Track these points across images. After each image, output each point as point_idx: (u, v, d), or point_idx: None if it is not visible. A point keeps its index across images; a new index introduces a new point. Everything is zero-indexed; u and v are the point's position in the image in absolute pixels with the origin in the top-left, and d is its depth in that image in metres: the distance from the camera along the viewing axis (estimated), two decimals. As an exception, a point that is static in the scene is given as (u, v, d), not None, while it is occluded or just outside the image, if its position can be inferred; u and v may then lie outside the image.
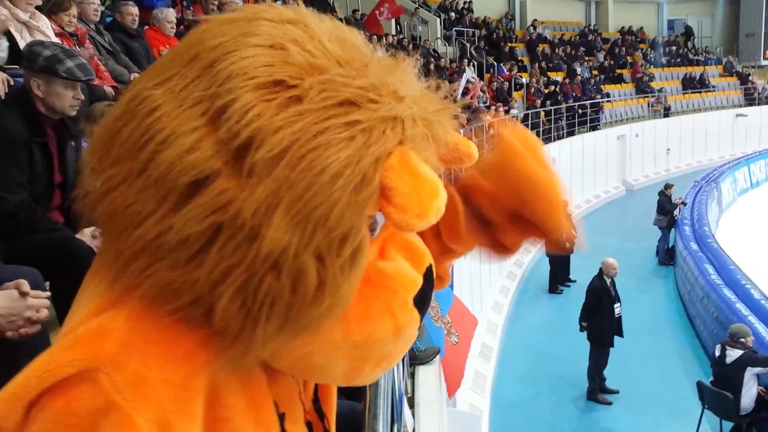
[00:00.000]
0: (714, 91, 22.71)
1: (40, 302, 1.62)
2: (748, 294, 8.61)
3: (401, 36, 16.29)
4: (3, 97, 3.00)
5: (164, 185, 0.55)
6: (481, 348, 7.81)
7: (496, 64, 17.65)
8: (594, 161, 16.84)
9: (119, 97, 0.65)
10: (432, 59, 14.91)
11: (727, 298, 8.57)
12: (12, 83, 3.08)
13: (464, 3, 20.67)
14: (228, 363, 0.58)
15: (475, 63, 16.56)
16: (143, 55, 5.00)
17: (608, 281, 7.74)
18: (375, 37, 11.92)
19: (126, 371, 0.54)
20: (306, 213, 0.54)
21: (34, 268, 1.86)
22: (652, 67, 23.04)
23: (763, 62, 25.58)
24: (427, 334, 4.09)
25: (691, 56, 24.72)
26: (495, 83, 16.20)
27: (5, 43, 3.36)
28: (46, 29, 3.70)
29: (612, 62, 21.94)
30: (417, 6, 18.15)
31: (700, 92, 22.33)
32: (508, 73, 17.45)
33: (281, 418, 0.68)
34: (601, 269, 7.82)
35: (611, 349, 7.65)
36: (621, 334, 7.66)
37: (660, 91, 21.17)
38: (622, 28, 24.91)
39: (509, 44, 20.00)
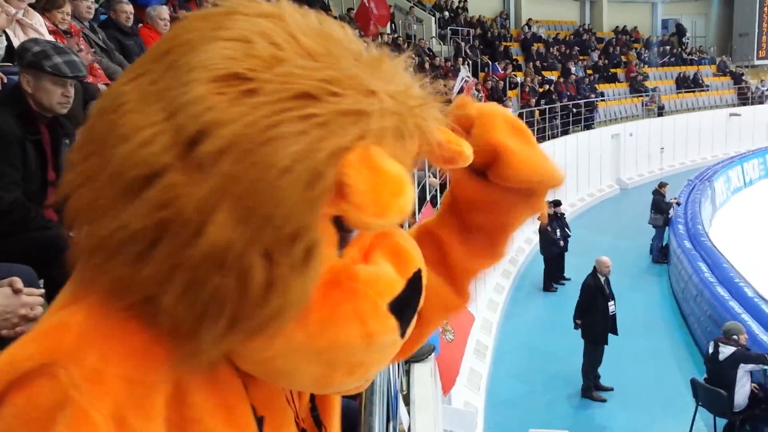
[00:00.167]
0: (708, 90, 22.82)
1: (34, 300, 1.62)
2: (741, 292, 8.66)
3: (396, 35, 16.29)
4: (-4, 95, 2.99)
5: (119, 181, 0.54)
6: (476, 346, 7.83)
7: (490, 63, 17.69)
8: (588, 160, 16.90)
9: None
10: (427, 58, 14.92)
11: (720, 296, 8.61)
12: (5, 81, 3.07)
13: (459, 2, 20.70)
14: (181, 362, 0.56)
15: (470, 62, 16.57)
16: (138, 53, 4.98)
17: (602, 279, 7.78)
18: (371, 36, 11.92)
19: (83, 366, 0.53)
20: (252, 210, 0.52)
21: (28, 266, 1.86)
22: (646, 66, 23.13)
23: (757, 62, 25.72)
24: (422, 332, 4.09)
25: (685, 56, 24.83)
26: (490, 82, 16.23)
27: (4, 42, 3.35)
28: (39, 27, 3.69)
29: (606, 61, 22.00)
30: (412, 5, 18.16)
31: (693, 92, 22.43)
32: (502, 72, 17.49)
33: (260, 421, 0.66)
34: (594, 267, 7.87)
35: (605, 346, 7.69)
36: (616, 332, 7.69)
37: (654, 90, 21.25)
38: (617, 27, 24.99)
39: (504, 43, 20.03)
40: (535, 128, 14.69)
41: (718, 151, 20.83)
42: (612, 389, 7.76)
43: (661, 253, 12.43)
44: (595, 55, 22.15)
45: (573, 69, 19.66)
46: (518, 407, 7.42)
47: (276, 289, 0.54)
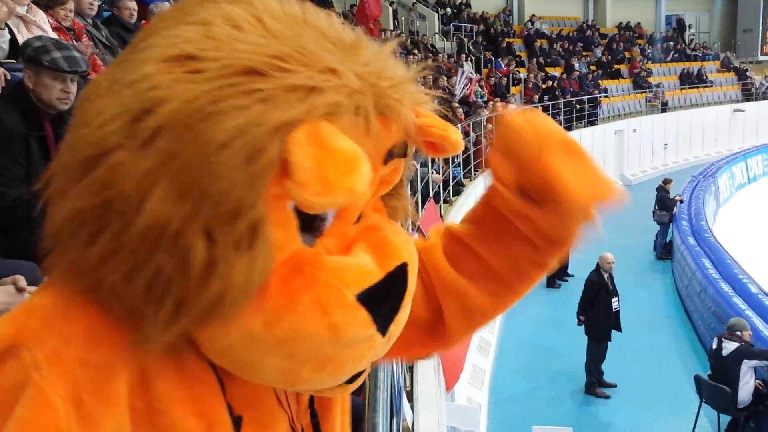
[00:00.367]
0: (711, 86, 22.73)
1: (38, 296, 1.62)
2: (745, 288, 8.64)
3: (399, 31, 16.26)
4: (0, 92, 2.99)
5: (75, 162, 0.55)
6: (480, 342, 7.82)
7: (494, 59, 17.63)
8: (591, 156, 16.84)
9: None
10: (430, 54, 14.89)
11: (724, 292, 8.59)
12: (9, 77, 3.07)
13: (462, -2, 20.66)
14: (136, 346, 0.55)
15: (473, 58, 16.54)
16: (140, 49, 4.98)
17: (605, 275, 7.77)
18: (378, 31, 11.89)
19: (45, 348, 0.54)
20: (189, 186, 0.51)
21: (33, 263, 1.86)
22: (649, 62, 23.06)
23: (761, 58, 25.62)
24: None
25: (688, 52, 24.74)
26: (493, 78, 16.21)
27: (7, 35, 3.35)
28: (43, 24, 3.69)
29: (609, 57, 21.93)
30: (415, 1, 18.12)
31: (697, 87, 22.35)
32: (505, 68, 17.45)
33: (237, 420, 0.63)
34: (598, 263, 7.86)
35: (609, 343, 7.67)
36: (619, 329, 7.68)
37: (657, 86, 21.18)
38: (620, 23, 24.90)
39: (507, 39, 19.98)
40: (539, 125, 14.65)
41: (721, 148, 20.74)
42: (615, 386, 7.75)
43: (664, 250, 12.40)
44: (598, 51, 22.07)
45: (576, 65, 19.61)
46: (521, 404, 7.41)
47: (218, 270, 0.53)
